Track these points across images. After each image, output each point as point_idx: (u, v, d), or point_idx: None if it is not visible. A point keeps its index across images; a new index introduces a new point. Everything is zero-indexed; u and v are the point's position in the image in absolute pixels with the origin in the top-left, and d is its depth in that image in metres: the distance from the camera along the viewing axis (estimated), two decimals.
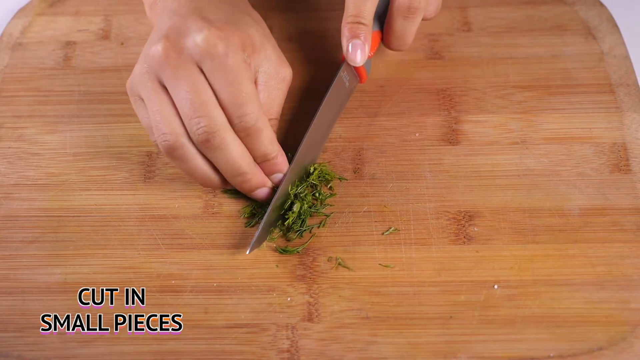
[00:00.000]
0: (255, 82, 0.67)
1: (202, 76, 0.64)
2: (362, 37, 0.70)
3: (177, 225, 0.68)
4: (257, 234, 0.65)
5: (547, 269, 0.65)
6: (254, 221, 0.68)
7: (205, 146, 0.64)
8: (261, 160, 0.67)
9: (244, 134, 0.64)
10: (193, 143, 0.65)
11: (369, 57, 0.72)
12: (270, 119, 0.68)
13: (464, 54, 0.79)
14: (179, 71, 0.63)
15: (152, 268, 0.66)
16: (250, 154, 0.66)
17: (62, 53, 0.81)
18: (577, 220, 0.67)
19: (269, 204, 0.67)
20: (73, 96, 0.77)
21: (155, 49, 0.64)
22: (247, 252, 0.65)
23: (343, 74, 0.72)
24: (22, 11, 0.85)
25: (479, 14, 0.82)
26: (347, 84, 0.73)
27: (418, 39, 0.80)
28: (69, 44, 0.82)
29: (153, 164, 0.72)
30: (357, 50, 0.70)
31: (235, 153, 0.65)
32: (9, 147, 0.74)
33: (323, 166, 0.70)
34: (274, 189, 0.68)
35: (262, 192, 0.68)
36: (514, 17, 0.82)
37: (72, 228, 0.68)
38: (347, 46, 0.70)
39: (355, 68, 0.73)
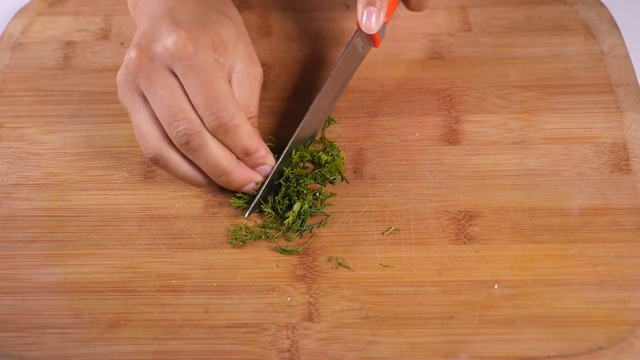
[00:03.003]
0: (230, 82, 0.68)
1: (175, 80, 0.65)
2: (378, 5, 0.69)
3: (177, 225, 0.68)
4: (257, 196, 0.67)
5: (547, 269, 0.65)
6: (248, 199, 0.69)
7: (186, 148, 0.65)
8: (243, 156, 0.67)
9: (222, 130, 0.65)
10: (176, 148, 0.66)
11: (384, 23, 0.71)
12: (250, 117, 0.69)
13: (464, 54, 0.79)
14: (152, 77, 0.64)
15: (152, 268, 0.66)
16: (232, 151, 0.67)
17: (62, 53, 0.81)
18: (577, 220, 0.67)
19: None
20: (73, 96, 0.77)
21: (128, 57, 0.66)
22: (246, 216, 0.67)
23: (357, 40, 0.72)
24: (22, 11, 0.85)
25: (479, 14, 0.82)
26: (360, 49, 0.74)
27: (418, 39, 0.80)
28: (69, 43, 0.82)
29: None
30: (372, 17, 0.69)
31: (215, 153, 0.65)
32: (9, 147, 0.74)
33: (340, 158, 0.71)
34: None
35: (250, 187, 0.68)
36: (514, 17, 0.82)
37: (72, 228, 0.68)
38: (362, 13, 0.69)
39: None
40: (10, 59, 0.81)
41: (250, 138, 0.66)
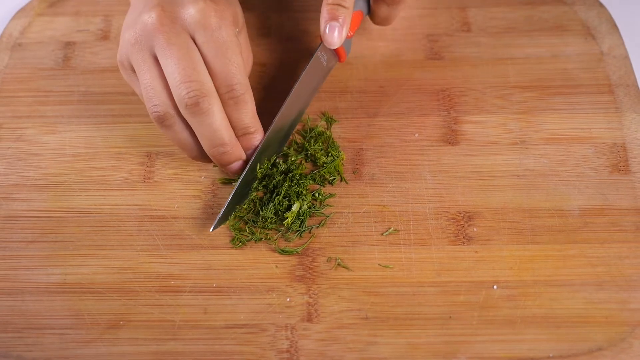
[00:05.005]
0: None
1: (194, 45, 0.65)
2: (340, 20, 0.69)
3: (176, 226, 0.68)
4: (222, 210, 0.66)
5: (546, 270, 0.65)
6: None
7: (192, 110, 0.64)
8: (242, 134, 0.68)
9: (233, 102, 0.66)
10: (179, 116, 0.66)
11: (348, 37, 0.72)
12: None
13: (463, 54, 0.79)
14: (172, 39, 0.65)
15: (151, 268, 0.66)
16: (233, 125, 0.67)
17: (61, 53, 0.81)
18: (577, 221, 0.67)
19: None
20: (72, 96, 0.77)
21: (148, 16, 0.65)
22: (211, 230, 0.66)
23: (320, 54, 0.72)
24: (21, 11, 0.85)
25: (479, 14, 0.82)
26: (325, 63, 0.73)
27: (418, 39, 0.80)
28: (69, 44, 0.82)
29: (152, 164, 0.72)
30: (334, 32, 0.69)
31: (219, 121, 0.66)
32: (9, 148, 0.74)
33: (339, 159, 0.71)
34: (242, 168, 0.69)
35: (237, 165, 0.69)
36: (514, 17, 0.82)
37: (72, 228, 0.68)
38: (325, 28, 0.70)
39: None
40: (10, 60, 0.81)
41: (254, 117, 0.68)
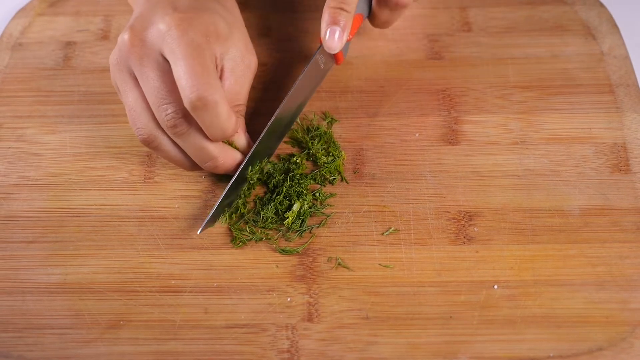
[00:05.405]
0: (222, 69, 0.68)
1: (166, 64, 0.65)
2: (341, 24, 0.68)
3: (177, 225, 0.68)
4: (210, 213, 0.66)
5: (547, 269, 0.65)
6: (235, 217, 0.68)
7: (173, 132, 0.65)
8: (226, 139, 0.67)
9: (201, 105, 0.62)
10: (165, 134, 0.66)
11: (348, 41, 0.71)
12: (238, 105, 0.69)
13: (463, 54, 0.79)
14: (143, 60, 0.65)
15: (152, 268, 0.66)
16: (210, 134, 0.65)
17: (62, 53, 0.81)
18: (577, 221, 0.67)
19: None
20: (73, 96, 0.77)
21: (121, 39, 0.66)
22: (198, 232, 0.66)
23: (319, 57, 0.72)
24: (22, 11, 0.85)
25: (479, 14, 0.82)
26: (322, 65, 0.73)
27: (418, 39, 0.80)
28: (69, 44, 0.82)
29: (153, 164, 0.72)
30: (334, 36, 0.68)
31: (203, 138, 0.65)
32: (9, 147, 0.74)
33: (340, 159, 0.70)
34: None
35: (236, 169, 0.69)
36: (514, 17, 0.82)
37: (72, 228, 0.68)
38: (325, 32, 0.68)
39: None
40: (10, 59, 0.81)
41: (229, 119, 0.64)
